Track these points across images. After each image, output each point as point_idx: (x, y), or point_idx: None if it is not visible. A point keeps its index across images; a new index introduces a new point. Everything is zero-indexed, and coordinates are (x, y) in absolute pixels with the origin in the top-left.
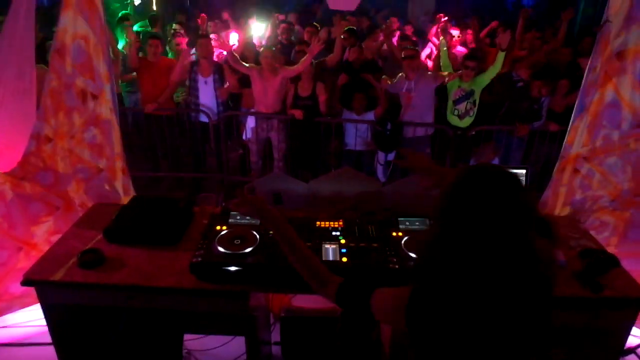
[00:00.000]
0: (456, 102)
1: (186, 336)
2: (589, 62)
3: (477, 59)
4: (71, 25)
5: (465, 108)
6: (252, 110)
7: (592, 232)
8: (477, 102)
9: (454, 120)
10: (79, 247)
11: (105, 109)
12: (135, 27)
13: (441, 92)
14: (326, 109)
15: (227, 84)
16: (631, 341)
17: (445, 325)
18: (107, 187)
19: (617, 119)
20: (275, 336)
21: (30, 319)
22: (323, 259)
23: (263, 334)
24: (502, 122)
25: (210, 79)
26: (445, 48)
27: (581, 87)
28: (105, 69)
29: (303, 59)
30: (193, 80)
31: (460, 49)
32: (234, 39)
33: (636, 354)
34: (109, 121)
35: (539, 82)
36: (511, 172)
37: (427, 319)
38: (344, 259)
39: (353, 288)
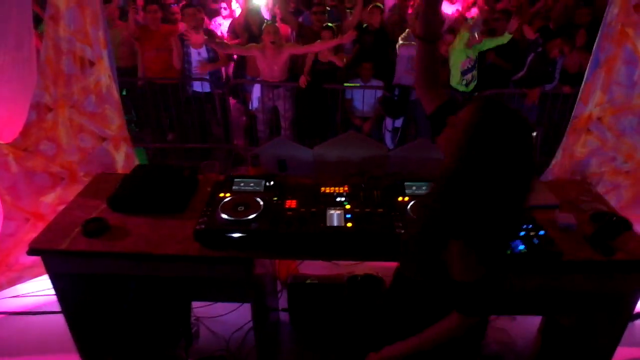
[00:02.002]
0: (464, 72)
1: (195, 304)
2: (605, 15)
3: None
4: None
5: (472, 76)
6: (258, 78)
7: (605, 195)
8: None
9: (461, 88)
10: (83, 216)
11: (104, 76)
12: None
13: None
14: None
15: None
16: None
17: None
18: (110, 156)
19: (633, 76)
20: (283, 303)
21: (41, 289)
22: (327, 224)
23: (270, 301)
24: (517, 86)
25: (203, 50)
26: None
27: (596, 42)
28: (102, 34)
29: (321, 42)
30: (186, 54)
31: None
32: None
33: None
34: (108, 89)
35: (558, 40)
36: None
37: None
38: (349, 225)
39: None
